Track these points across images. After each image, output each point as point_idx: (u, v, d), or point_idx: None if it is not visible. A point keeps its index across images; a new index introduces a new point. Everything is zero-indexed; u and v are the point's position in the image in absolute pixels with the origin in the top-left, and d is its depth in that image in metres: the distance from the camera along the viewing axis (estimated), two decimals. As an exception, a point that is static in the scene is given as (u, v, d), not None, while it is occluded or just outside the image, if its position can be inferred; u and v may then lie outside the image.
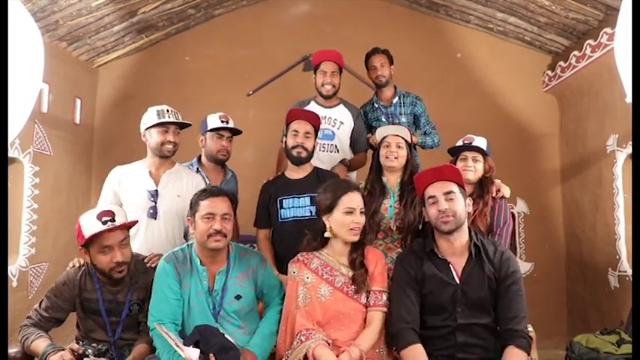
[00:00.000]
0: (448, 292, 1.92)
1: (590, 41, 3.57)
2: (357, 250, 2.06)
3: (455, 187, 1.97)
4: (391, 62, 3.24)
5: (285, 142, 2.60)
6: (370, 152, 3.15)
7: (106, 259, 1.97)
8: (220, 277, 2.06)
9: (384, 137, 2.56)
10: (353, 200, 2.02)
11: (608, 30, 3.32)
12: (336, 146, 3.06)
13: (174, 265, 2.05)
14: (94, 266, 2.03)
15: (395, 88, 3.29)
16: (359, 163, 3.12)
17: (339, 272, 2.03)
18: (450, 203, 1.93)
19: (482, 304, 1.91)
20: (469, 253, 1.96)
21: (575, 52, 3.78)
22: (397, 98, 3.25)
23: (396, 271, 2.05)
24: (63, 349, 1.91)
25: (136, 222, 2.17)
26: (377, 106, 3.29)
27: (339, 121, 3.08)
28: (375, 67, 3.21)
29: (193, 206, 2.05)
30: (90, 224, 1.97)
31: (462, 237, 1.97)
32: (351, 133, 3.10)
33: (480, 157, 2.53)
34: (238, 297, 2.07)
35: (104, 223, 1.97)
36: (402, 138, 2.54)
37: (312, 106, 3.06)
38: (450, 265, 1.95)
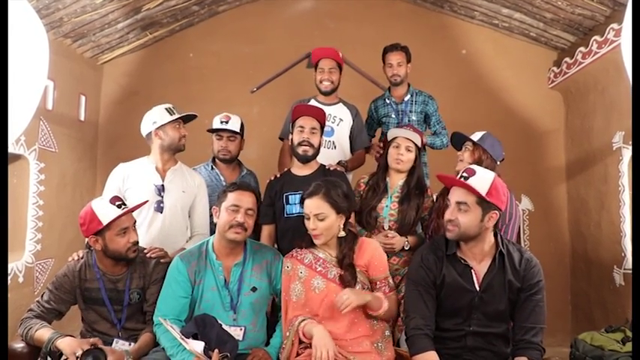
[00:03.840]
0: (466, 298, 1.87)
1: (597, 37, 3.54)
2: (343, 248, 2.05)
3: (471, 200, 1.84)
4: (409, 60, 3.22)
5: (292, 138, 2.60)
6: (374, 150, 3.16)
7: (123, 241, 2.06)
8: (237, 269, 2.11)
9: (395, 138, 2.55)
10: (307, 206, 2.04)
11: (614, 26, 3.29)
12: (333, 142, 3.08)
13: (187, 263, 2.10)
14: (105, 252, 2.08)
15: (408, 85, 3.28)
16: (357, 162, 3.12)
17: (331, 265, 2.05)
18: (458, 214, 1.85)
19: (500, 315, 1.87)
20: (492, 260, 1.89)
21: (582, 49, 3.75)
22: (409, 96, 3.24)
23: (413, 271, 1.98)
24: (71, 336, 1.94)
25: (145, 202, 2.29)
26: (388, 102, 3.28)
27: (339, 118, 3.09)
28: (392, 64, 3.19)
29: (221, 197, 2.14)
30: (106, 211, 2.05)
31: (481, 244, 1.89)
32: (350, 130, 3.11)
33: (470, 145, 2.43)
34: (254, 289, 2.11)
35: (119, 207, 2.07)
36: (413, 142, 2.54)
37: (312, 104, 3.07)
38: (472, 271, 1.89)
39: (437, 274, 1.91)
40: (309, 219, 2.04)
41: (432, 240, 2.16)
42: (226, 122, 2.90)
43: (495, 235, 1.93)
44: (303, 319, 1.96)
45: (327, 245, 2.08)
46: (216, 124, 2.92)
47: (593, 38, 3.58)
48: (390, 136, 2.62)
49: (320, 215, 2.01)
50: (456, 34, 4.46)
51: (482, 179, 1.88)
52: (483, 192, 1.84)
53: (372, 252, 2.08)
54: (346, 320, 1.98)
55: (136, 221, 2.15)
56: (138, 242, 2.12)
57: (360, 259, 2.05)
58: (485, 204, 1.85)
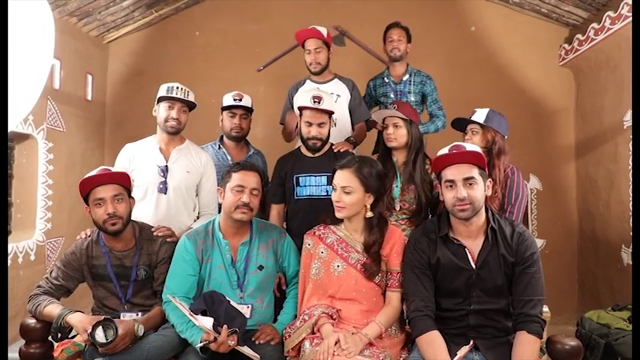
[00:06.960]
0: (463, 277, 1.87)
1: (610, 13, 3.46)
2: (372, 233, 2.01)
3: (476, 172, 1.83)
4: (409, 40, 3.22)
5: (300, 128, 2.58)
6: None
7: (100, 211, 2.06)
8: (243, 247, 2.13)
9: (383, 120, 2.53)
10: (336, 177, 2.01)
11: (629, 1, 3.21)
12: (333, 120, 3.05)
13: (194, 242, 2.12)
14: (94, 223, 2.11)
15: (407, 65, 3.25)
16: (360, 137, 3.09)
17: (354, 249, 2.02)
18: (469, 190, 1.81)
19: (499, 290, 1.87)
20: (485, 236, 1.89)
21: (594, 25, 3.68)
22: (408, 76, 3.23)
23: (408, 254, 1.98)
24: (79, 312, 1.98)
25: (126, 175, 2.17)
26: (387, 81, 3.26)
27: (336, 94, 3.07)
28: (393, 39, 3.19)
29: (225, 177, 2.14)
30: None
31: (479, 220, 1.88)
32: (349, 104, 3.08)
33: (477, 128, 2.41)
34: (261, 267, 2.14)
35: None
36: (399, 117, 2.47)
37: (308, 84, 3.07)
38: (466, 250, 1.88)
39: (431, 256, 1.91)
40: (336, 190, 2.00)
41: (424, 223, 2.14)
42: (240, 100, 2.90)
43: (486, 210, 1.92)
44: (321, 312, 1.94)
45: (353, 226, 2.05)
46: (229, 101, 2.91)
47: (607, 14, 3.50)
48: (377, 119, 2.62)
49: (347, 188, 1.96)
50: (465, 11, 4.38)
51: (476, 149, 1.91)
52: (485, 159, 1.88)
53: (395, 241, 2.03)
54: (361, 305, 1.99)
55: (119, 194, 2.08)
56: (116, 215, 2.06)
57: (384, 247, 2.02)
58: (483, 173, 1.87)
